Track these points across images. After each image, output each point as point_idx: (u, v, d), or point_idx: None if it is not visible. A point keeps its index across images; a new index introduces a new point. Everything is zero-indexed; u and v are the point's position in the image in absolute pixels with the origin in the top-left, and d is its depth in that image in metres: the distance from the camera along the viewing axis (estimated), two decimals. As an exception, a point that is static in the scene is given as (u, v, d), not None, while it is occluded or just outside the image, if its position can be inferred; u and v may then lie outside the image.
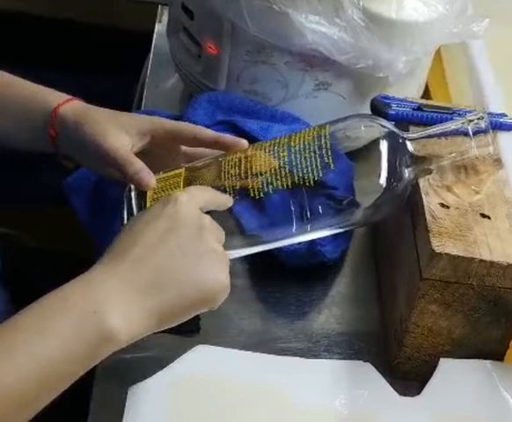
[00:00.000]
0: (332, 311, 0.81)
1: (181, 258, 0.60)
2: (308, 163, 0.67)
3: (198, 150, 0.75)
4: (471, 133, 0.69)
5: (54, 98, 0.76)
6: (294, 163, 0.68)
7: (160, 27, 1.11)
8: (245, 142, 0.71)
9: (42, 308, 0.57)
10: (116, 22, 1.31)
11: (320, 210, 0.68)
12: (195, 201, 0.64)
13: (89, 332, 0.56)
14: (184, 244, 0.61)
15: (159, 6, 1.14)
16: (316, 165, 0.67)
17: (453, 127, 0.70)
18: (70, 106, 0.75)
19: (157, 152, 0.75)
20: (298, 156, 0.68)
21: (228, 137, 0.73)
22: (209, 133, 0.74)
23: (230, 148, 0.72)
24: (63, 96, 0.76)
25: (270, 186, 0.68)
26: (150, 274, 0.59)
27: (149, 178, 0.69)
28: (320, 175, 0.67)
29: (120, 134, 0.72)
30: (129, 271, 0.59)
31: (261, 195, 0.68)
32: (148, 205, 0.68)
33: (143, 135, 0.74)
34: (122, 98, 1.08)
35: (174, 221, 0.62)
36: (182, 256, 0.61)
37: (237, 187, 0.68)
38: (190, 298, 0.61)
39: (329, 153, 0.67)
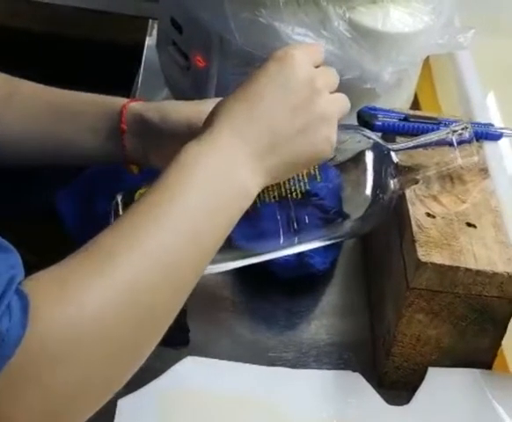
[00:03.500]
0: (321, 322, 0.81)
1: (295, 122, 0.62)
2: (295, 176, 0.68)
3: None
4: (455, 143, 0.70)
5: (118, 99, 0.78)
6: None
7: (150, 41, 1.11)
8: None
9: (178, 168, 0.58)
10: (107, 36, 1.32)
11: (307, 222, 0.69)
12: (310, 60, 0.65)
13: (228, 186, 0.59)
14: (298, 109, 0.62)
15: (150, 20, 1.15)
16: (302, 178, 0.68)
17: (437, 138, 0.71)
18: (137, 102, 0.77)
19: None
20: None
21: None
22: None
23: None
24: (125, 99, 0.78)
25: (257, 200, 0.68)
26: (267, 137, 0.61)
27: None
28: (307, 187, 0.68)
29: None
30: (249, 132, 0.61)
31: (249, 209, 0.68)
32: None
33: None
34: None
35: (289, 83, 0.63)
36: (295, 119, 0.62)
37: None
38: (301, 158, 0.64)
39: (315, 165, 0.68)
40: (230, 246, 0.70)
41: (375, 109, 0.80)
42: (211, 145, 0.60)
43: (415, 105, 1.01)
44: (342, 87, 0.87)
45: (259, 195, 0.68)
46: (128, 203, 0.69)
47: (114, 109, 0.76)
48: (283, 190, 0.68)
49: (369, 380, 0.74)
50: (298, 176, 0.68)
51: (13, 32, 1.29)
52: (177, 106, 0.76)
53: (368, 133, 0.71)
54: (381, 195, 0.69)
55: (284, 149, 0.62)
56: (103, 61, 1.26)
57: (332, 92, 0.66)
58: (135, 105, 0.76)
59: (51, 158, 0.79)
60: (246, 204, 0.61)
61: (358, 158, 0.70)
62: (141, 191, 0.71)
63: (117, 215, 0.69)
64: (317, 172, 0.68)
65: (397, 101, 0.92)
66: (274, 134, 0.61)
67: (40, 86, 0.79)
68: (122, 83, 1.10)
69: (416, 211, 0.71)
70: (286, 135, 0.62)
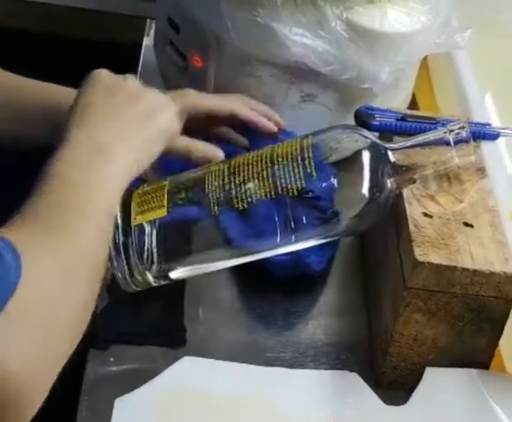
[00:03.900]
0: (319, 322, 0.81)
1: (121, 122, 0.69)
2: (291, 174, 0.68)
3: None
4: (452, 142, 0.70)
5: (63, 96, 0.80)
6: (277, 174, 0.68)
7: (148, 41, 1.11)
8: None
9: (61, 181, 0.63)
10: (105, 36, 1.32)
11: (304, 220, 0.69)
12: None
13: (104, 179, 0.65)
14: (118, 115, 0.69)
15: (148, 20, 1.15)
16: (299, 176, 0.68)
17: (434, 137, 0.71)
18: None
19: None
20: (281, 166, 0.68)
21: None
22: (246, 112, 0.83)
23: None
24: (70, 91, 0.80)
25: (254, 196, 0.68)
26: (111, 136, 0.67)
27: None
28: (303, 185, 0.68)
29: None
30: (95, 138, 0.66)
31: (245, 206, 0.68)
32: (132, 217, 0.69)
33: (183, 112, 0.76)
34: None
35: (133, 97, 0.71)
36: (122, 118, 0.69)
37: (222, 198, 0.69)
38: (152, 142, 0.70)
39: (312, 163, 0.68)
40: (226, 244, 0.70)
41: (372, 109, 0.80)
42: (69, 155, 0.64)
43: (413, 104, 1.01)
44: (340, 87, 0.88)
45: (255, 192, 0.68)
46: (124, 203, 0.69)
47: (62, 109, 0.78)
48: (279, 188, 0.68)
49: (366, 380, 0.74)
50: (294, 174, 0.68)
51: (10, 31, 1.29)
52: None
53: (365, 132, 0.71)
54: (378, 194, 0.69)
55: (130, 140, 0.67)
56: (100, 61, 1.26)
57: None
58: None
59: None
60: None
61: (355, 157, 0.70)
62: (137, 190, 0.71)
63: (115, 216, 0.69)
64: (313, 170, 0.68)
65: (394, 101, 0.92)
66: (114, 133, 0.67)
67: None
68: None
69: (413, 210, 0.71)
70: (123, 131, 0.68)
